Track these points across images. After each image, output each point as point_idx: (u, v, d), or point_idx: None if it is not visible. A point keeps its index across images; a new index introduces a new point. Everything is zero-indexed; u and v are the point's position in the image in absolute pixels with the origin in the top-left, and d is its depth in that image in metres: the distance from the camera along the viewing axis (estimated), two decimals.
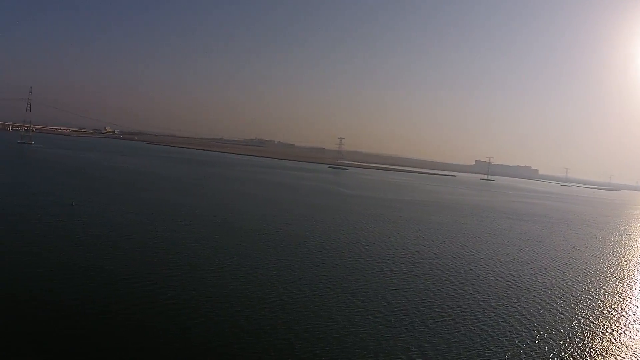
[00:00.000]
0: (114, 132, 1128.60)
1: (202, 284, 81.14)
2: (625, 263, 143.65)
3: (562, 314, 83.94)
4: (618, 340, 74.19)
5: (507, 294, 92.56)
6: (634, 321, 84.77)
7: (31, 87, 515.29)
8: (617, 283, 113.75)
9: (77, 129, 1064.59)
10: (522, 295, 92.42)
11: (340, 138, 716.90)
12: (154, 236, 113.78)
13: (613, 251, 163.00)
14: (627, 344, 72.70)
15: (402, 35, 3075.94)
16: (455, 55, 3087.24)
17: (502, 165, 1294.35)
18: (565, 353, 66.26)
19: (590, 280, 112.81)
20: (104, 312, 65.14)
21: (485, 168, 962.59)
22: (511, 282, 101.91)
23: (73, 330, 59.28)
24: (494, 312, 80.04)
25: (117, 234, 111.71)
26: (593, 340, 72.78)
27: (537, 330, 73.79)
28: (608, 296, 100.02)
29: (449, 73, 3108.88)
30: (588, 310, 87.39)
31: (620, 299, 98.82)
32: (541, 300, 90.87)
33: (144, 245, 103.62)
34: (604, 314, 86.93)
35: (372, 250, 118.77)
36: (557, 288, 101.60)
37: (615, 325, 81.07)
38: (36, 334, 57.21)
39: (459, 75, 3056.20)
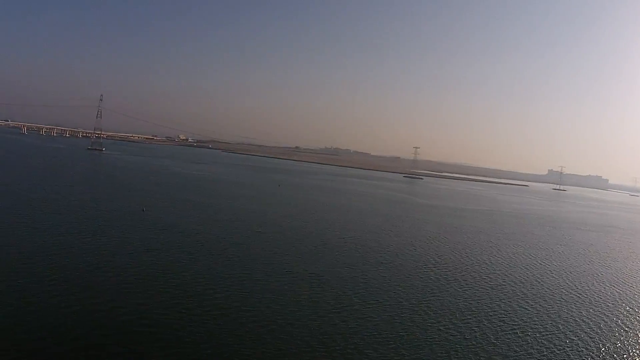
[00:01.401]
0: (187, 139, 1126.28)
1: (276, 291, 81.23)
2: None
3: (629, 328, 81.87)
4: None
5: (575, 307, 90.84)
6: None
7: (102, 95, 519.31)
8: None
9: (149, 137, 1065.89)
10: (590, 309, 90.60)
11: (416, 147, 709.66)
12: (225, 243, 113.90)
13: None
14: None
15: (478, 40, 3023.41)
16: (532, 62, 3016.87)
17: (573, 174, 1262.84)
18: None
19: None
20: (178, 317, 65.87)
21: (558, 178, 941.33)
22: (579, 295, 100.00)
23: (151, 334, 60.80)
24: (562, 326, 78.74)
25: (188, 240, 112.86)
26: None
27: (603, 345, 72.20)
28: None
29: (525, 81, 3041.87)
30: None
31: None
32: (609, 314, 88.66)
33: (214, 252, 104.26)
34: None
35: (444, 261, 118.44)
36: (624, 301, 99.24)
37: None
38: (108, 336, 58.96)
39: (535, 83, 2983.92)
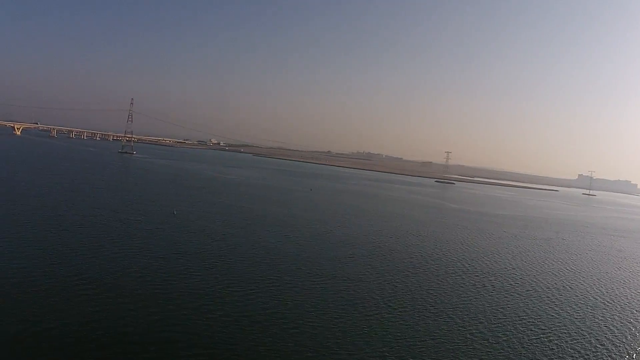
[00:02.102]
0: (219, 143, 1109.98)
1: (305, 295, 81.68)
2: None
3: None
4: None
5: (603, 313, 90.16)
6: None
7: (132, 99, 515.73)
8: None
9: (181, 140, 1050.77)
10: (619, 315, 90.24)
11: (447, 152, 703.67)
12: (255, 247, 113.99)
13: None
14: None
15: (511, 43, 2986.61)
16: (564, 65, 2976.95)
17: (603, 179, 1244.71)
18: None
19: None
20: (207, 321, 65.87)
21: (588, 183, 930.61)
22: (608, 302, 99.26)
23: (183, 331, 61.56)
24: (589, 333, 78.27)
25: (219, 244, 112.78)
26: None
27: (634, 351, 71.92)
28: None
29: (556, 84, 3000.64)
30: None
31: None
32: (636, 321, 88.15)
33: (244, 256, 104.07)
34: None
35: (474, 266, 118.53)
36: None
37: None
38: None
39: (566, 86, 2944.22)
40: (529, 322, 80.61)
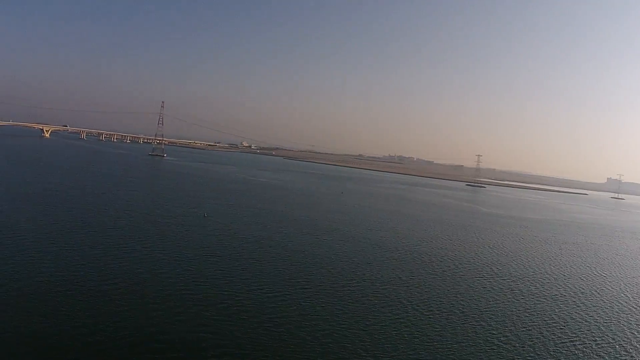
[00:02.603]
0: (250, 146, 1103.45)
1: (337, 297, 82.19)
2: None
3: None
4: None
5: (631, 319, 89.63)
6: None
7: (163, 102, 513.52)
8: None
9: (212, 143, 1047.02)
10: None
11: (478, 155, 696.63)
12: (286, 249, 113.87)
13: None
14: None
15: (539, 43, 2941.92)
16: (593, 67, 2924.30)
17: (632, 183, 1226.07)
18: None
19: None
20: (238, 324, 66.50)
21: (616, 186, 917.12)
22: (636, 307, 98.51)
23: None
24: (616, 339, 77.82)
25: (249, 247, 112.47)
26: None
27: None
28: None
29: (584, 87, 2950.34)
30: None
31: None
32: None
33: (275, 258, 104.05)
34: None
35: (503, 270, 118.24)
36: None
37: None
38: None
39: (594, 89, 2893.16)
40: (556, 326, 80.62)
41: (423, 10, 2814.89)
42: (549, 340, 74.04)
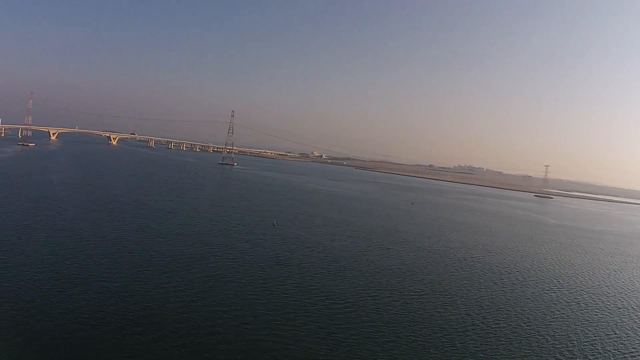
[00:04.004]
0: (321, 156, 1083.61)
1: (401, 308, 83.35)
2: None
3: None
4: None
5: None
6: None
7: (233, 111, 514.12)
8: None
9: (283, 153, 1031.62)
10: None
11: (546, 165, 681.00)
12: (354, 259, 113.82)
13: None
14: None
15: (606, 45, 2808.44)
16: None
17: None
18: None
19: None
20: (310, 333, 67.02)
21: None
22: None
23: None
24: None
25: (318, 256, 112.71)
26: None
27: None
28: None
29: None
30: None
31: None
32: None
33: (346, 268, 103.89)
34: None
35: (568, 282, 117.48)
36: None
37: None
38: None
39: None
40: (619, 340, 79.75)
41: (493, 9, 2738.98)
42: (614, 354, 73.57)
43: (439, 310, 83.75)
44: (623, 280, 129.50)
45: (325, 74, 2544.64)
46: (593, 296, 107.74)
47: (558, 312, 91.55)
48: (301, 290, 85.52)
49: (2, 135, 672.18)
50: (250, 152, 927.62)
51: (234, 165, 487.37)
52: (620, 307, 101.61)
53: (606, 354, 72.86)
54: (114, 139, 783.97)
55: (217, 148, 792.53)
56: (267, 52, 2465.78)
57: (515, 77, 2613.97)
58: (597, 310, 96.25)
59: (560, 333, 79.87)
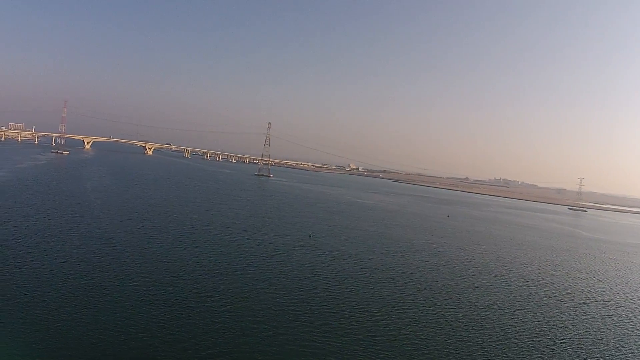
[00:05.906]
0: (358, 168, 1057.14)
1: (436, 322, 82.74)
2: None
3: None
4: None
5: None
6: None
7: (269, 123, 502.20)
8: None
9: (319, 165, 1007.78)
10: None
11: (580, 178, 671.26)
12: (390, 272, 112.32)
13: None
14: None
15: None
16: None
17: None
18: None
19: None
20: (346, 346, 67.13)
21: None
22: None
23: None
24: None
25: (355, 268, 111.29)
26: None
27: None
28: None
29: None
30: None
31: None
32: None
33: (381, 281, 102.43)
34: None
35: (603, 296, 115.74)
36: None
37: None
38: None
39: None
40: None
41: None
42: None
43: (475, 327, 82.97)
44: None
45: (365, 93, 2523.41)
46: (627, 311, 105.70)
47: (592, 328, 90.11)
48: (337, 302, 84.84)
49: (36, 142, 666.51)
50: (286, 164, 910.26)
51: (270, 176, 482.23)
52: None
53: None
54: (149, 148, 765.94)
55: (254, 159, 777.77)
56: (306, 66, 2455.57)
57: (542, 85, 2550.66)
58: (632, 326, 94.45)
59: (595, 349, 78.72)
